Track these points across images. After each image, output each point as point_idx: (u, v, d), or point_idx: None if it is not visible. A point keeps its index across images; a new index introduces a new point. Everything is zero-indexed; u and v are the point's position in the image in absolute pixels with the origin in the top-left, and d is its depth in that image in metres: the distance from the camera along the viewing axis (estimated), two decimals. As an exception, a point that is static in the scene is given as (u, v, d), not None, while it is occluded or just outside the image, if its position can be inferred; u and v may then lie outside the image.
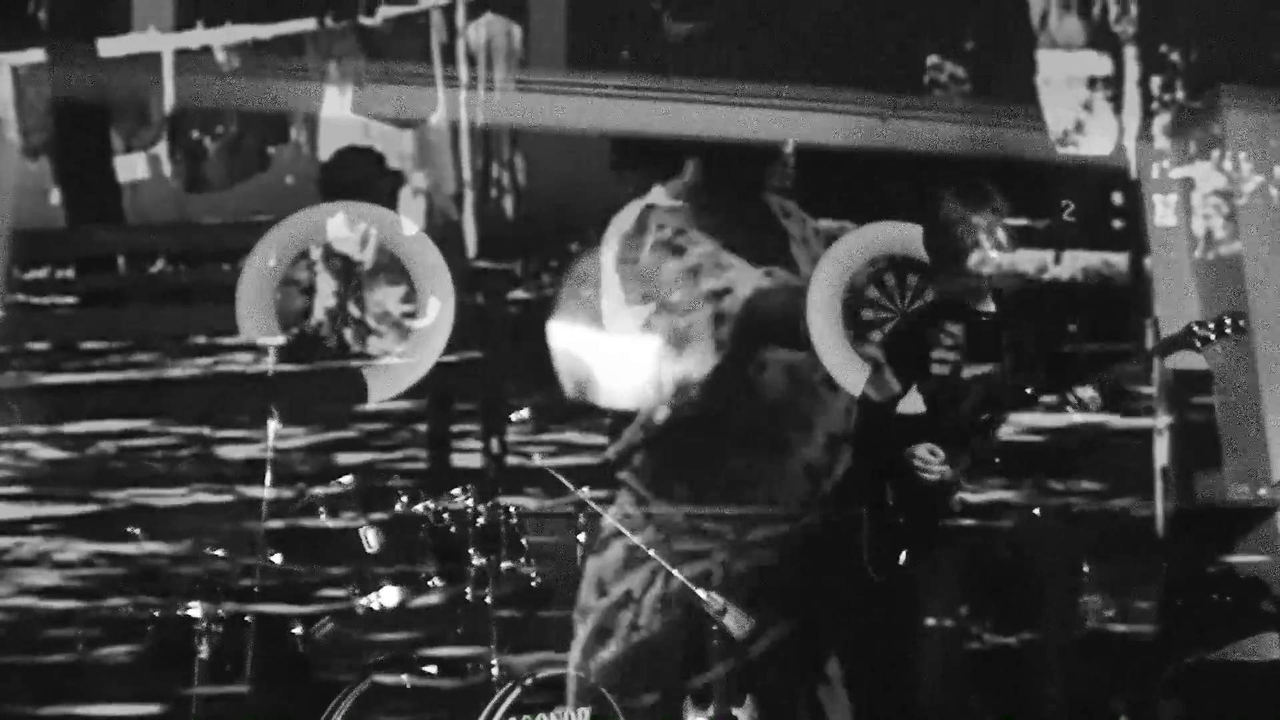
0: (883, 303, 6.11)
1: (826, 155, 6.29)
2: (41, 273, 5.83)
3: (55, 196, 5.84)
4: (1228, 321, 4.16)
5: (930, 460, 4.24)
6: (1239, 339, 4.24)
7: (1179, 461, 6.11)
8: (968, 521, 4.24)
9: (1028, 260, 6.08)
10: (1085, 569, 5.05)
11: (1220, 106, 6.20)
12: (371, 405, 5.62)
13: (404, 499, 4.71)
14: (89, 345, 5.73)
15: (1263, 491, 5.66)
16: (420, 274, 5.74)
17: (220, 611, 4.43)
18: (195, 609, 4.42)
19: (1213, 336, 4.16)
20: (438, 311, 5.70)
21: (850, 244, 5.94)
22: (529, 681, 4.28)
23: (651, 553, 4.60)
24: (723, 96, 6.14)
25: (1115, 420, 4.30)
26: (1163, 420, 5.49)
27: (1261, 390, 6.12)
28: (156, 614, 4.57)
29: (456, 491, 4.69)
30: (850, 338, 5.95)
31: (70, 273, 5.88)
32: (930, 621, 4.32)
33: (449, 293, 5.71)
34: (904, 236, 6.01)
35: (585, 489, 4.72)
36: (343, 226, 5.78)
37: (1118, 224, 6.53)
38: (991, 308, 4.43)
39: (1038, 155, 6.37)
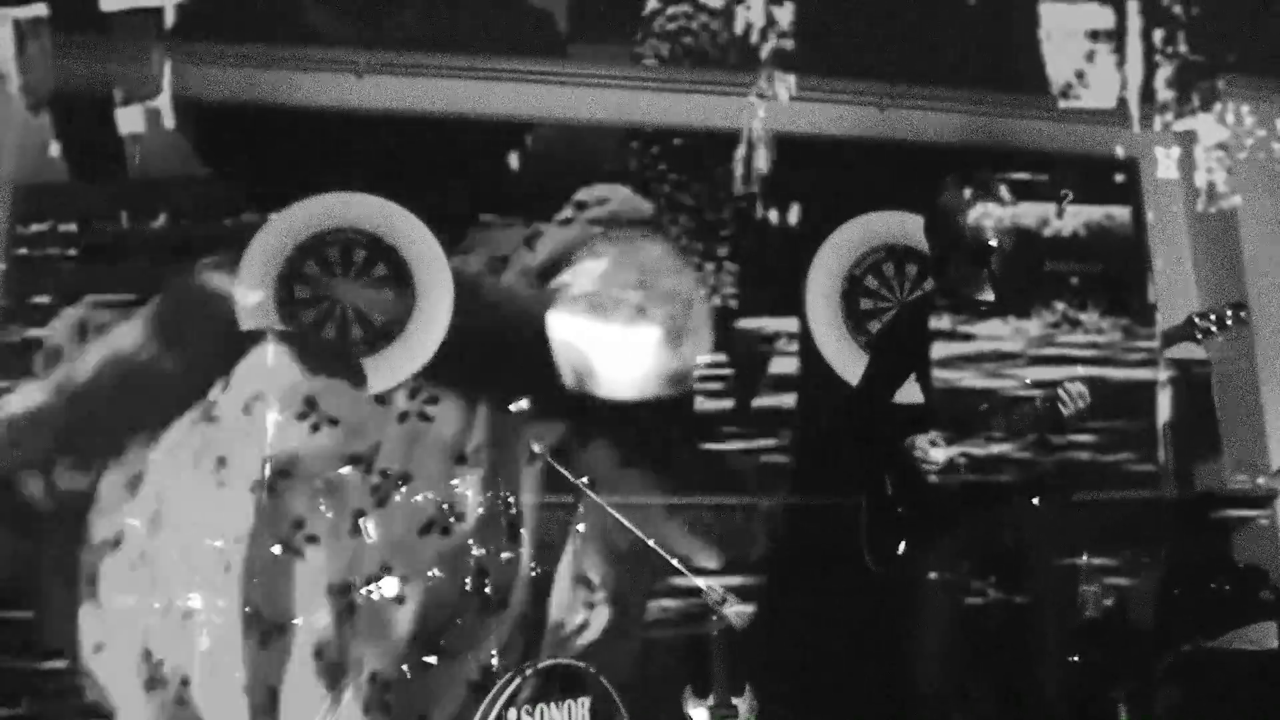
0: (881, 292, 6.13)
1: (825, 145, 6.33)
2: (44, 226, 5.82)
3: (56, 149, 5.82)
4: (1229, 313, 4.11)
5: (931, 451, 4.23)
6: (1240, 330, 4.20)
7: (1178, 451, 6.14)
8: (970, 476, 4.21)
9: (1029, 214, 6.12)
10: (1085, 558, 5.05)
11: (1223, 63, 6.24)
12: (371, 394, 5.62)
13: (403, 489, 4.72)
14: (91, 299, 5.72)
15: (1262, 480, 5.66)
16: (418, 264, 5.76)
17: (221, 602, 4.45)
18: (195, 600, 4.44)
19: (1214, 328, 4.11)
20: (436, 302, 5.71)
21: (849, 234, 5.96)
22: (529, 672, 4.28)
23: (652, 543, 4.59)
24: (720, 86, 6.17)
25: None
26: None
27: (1260, 380, 6.15)
28: (156, 605, 4.60)
29: (456, 481, 4.70)
30: (849, 327, 5.98)
31: (73, 226, 5.86)
32: (929, 609, 4.31)
33: (448, 282, 5.71)
34: (902, 226, 6.05)
35: (585, 479, 4.73)
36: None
37: (1119, 178, 6.58)
38: (991, 297, 4.41)
39: (1037, 143, 6.40)
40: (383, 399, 5.61)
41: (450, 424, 5.61)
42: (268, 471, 4.83)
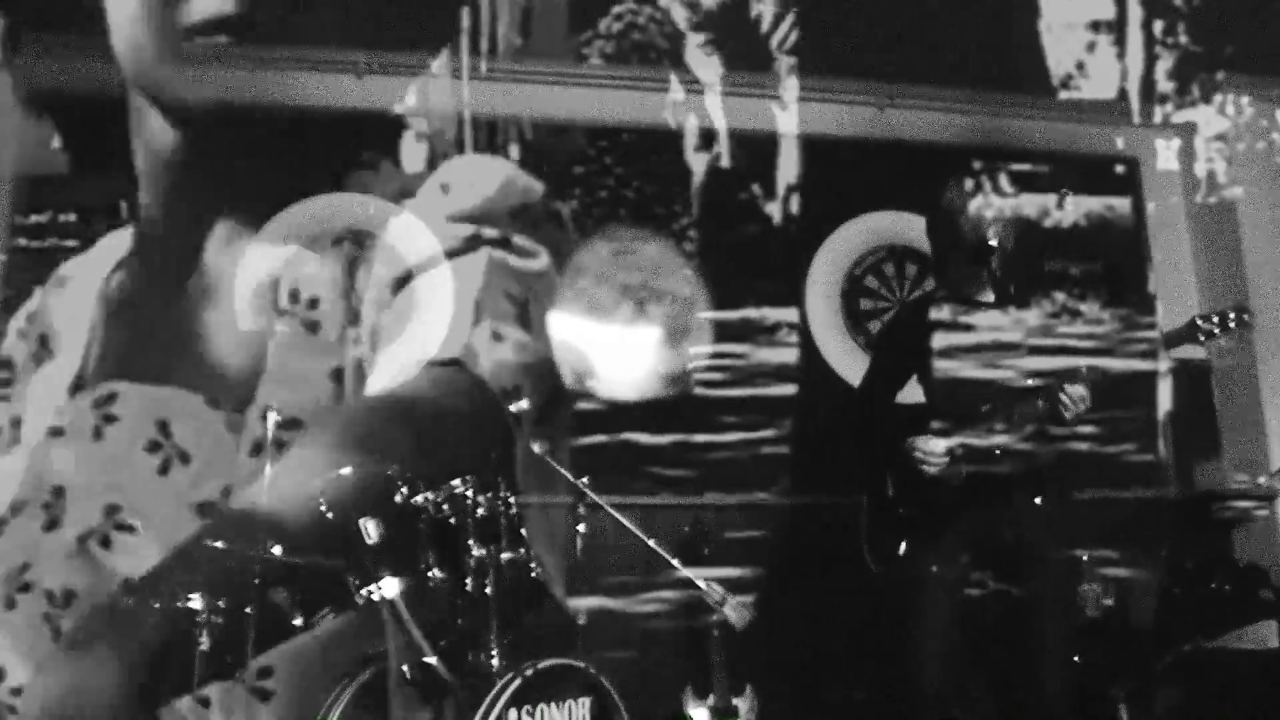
0: (881, 292, 6.12)
1: (825, 145, 6.33)
2: (44, 217, 5.82)
3: (56, 141, 5.81)
4: (1231, 316, 4.11)
5: (930, 442, 4.23)
6: (1243, 333, 4.19)
7: (1178, 445, 6.14)
8: (969, 467, 4.21)
9: (1029, 205, 6.14)
10: (1085, 557, 5.05)
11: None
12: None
13: (403, 489, 4.69)
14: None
15: (1262, 480, 5.66)
16: (419, 262, 5.74)
17: (221, 603, 4.42)
18: (196, 600, 4.42)
19: (1217, 330, 4.10)
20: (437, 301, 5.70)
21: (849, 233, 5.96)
22: (529, 672, 4.27)
23: (651, 543, 4.57)
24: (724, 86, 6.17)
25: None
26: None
27: (1260, 379, 6.15)
28: (157, 605, 4.59)
29: (456, 482, 4.68)
30: (849, 327, 5.97)
31: (72, 217, 5.85)
32: (929, 608, 4.31)
33: (447, 282, 5.70)
34: (903, 226, 6.04)
35: (585, 479, 4.71)
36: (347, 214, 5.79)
37: (1119, 168, 6.58)
38: (991, 298, 4.41)
39: (1037, 140, 6.40)
40: None
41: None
42: None
